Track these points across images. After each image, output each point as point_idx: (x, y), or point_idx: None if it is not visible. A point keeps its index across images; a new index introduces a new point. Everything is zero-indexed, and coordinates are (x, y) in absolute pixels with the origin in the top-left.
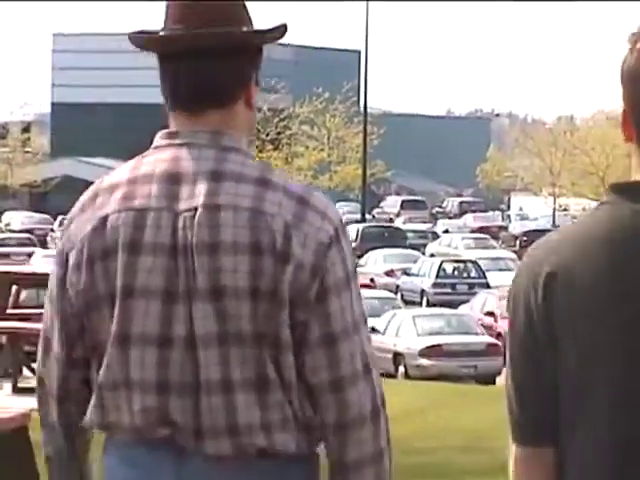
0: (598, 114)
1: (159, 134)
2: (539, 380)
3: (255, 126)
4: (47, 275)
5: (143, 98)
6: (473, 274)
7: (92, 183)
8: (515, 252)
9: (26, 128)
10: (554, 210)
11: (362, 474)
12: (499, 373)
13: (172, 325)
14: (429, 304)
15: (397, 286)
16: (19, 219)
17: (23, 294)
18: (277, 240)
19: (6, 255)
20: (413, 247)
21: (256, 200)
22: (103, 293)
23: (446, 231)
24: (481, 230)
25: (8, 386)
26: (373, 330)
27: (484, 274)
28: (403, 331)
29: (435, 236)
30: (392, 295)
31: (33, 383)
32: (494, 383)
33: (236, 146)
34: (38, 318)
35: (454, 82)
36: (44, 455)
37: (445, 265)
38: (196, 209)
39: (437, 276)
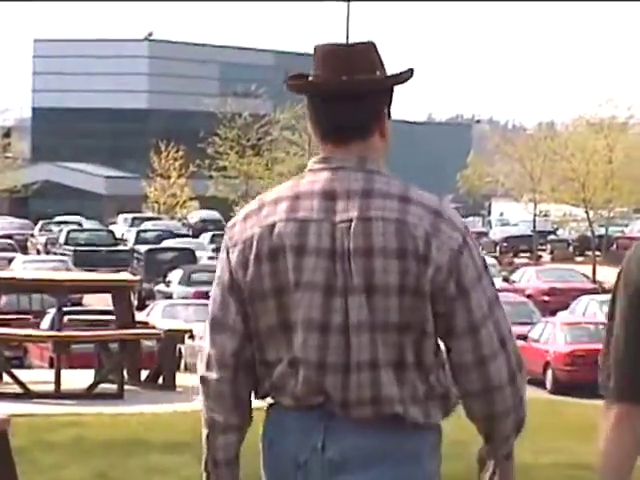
0: (578, 120)
1: (313, 159)
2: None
3: (386, 152)
4: (27, 281)
5: (123, 103)
6: None
7: (72, 188)
8: (495, 258)
9: (6, 133)
10: (534, 216)
11: (506, 420)
12: None
13: (331, 314)
14: None
15: None
16: None
17: (3, 299)
18: (419, 246)
19: None
20: None
21: (401, 213)
22: (269, 287)
23: None
24: None
25: None
26: None
27: None
28: None
29: None
30: None
31: (13, 389)
32: None
33: (379, 169)
34: (18, 324)
35: (435, 88)
36: (207, 425)
37: None
38: (351, 220)
39: None
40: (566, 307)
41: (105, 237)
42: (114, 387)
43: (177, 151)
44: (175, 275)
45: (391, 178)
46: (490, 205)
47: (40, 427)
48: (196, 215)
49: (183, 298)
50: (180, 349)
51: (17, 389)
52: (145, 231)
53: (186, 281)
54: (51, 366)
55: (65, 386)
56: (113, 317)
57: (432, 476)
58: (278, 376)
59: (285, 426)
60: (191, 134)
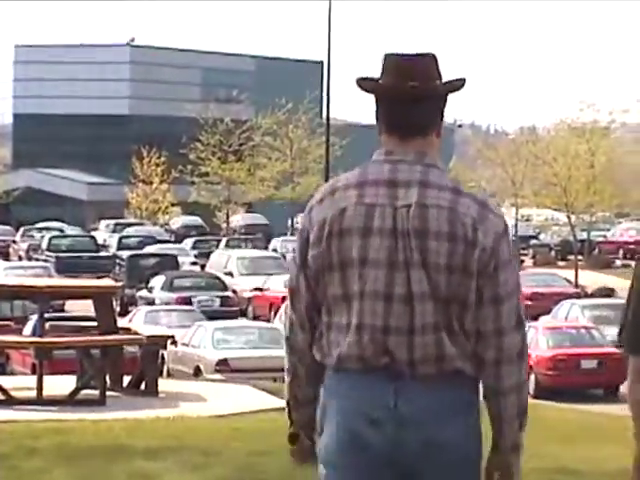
0: (560, 124)
1: (377, 152)
2: None
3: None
4: (9, 287)
5: (105, 109)
6: None
7: (54, 194)
8: None
9: None
10: (516, 220)
11: (509, 398)
12: None
13: (394, 286)
14: None
15: None
16: None
17: None
18: (468, 231)
19: None
20: None
21: (452, 202)
22: (335, 261)
23: None
24: None
25: None
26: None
27: None
28: None
29: None
30: None
31: None
32: None
33: (435, 164)
34: (0, 330)
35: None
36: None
37: None
38: (410, 206)
39: None
40: (548, 312)
41: (87, 243)
42: (96, 393)
43: (159, 157)
44: (157, 281)
45: (444, 172)
46: None
47: (22, 433)
48: (178, 221)
49: (165, 304)
50: (162, 355)
51: None
52: (127, 237)
53: (168, 287)
54: (33, 372)
55: (47, 392)
56: (95, 323)
57: (479, 423)
58: (347, 340)
59: (354, 387)
60: (173, 140)
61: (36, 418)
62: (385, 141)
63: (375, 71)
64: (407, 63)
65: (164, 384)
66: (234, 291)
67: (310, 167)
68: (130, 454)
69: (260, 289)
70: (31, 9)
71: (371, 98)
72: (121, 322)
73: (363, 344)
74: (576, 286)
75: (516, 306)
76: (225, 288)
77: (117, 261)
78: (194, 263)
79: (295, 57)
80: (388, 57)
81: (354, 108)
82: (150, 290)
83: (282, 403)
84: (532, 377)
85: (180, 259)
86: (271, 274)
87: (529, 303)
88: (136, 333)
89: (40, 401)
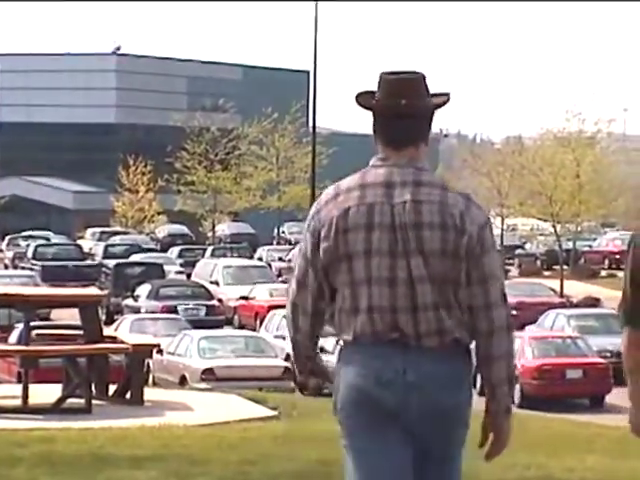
0: (546, 134)
1: (374, 158)
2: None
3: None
4: None
5: (91, 118)
6: None
7: (40, 203)
8: None
9: None
10: (502, 230)
11: (500, 363)
12: None
13: (396, 271)
14: None
15: None
16: None
17: None
18: (456, 221)
19: None
20: None
21: (442, 197)
22: (344, 253)
23: None
24: None
25: None
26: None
27: None
28: None
29: None
30: None
31: None
32: None
33: (425, 167)
34: None
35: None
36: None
37: None
38: (405, 202)
39: None
40: (534, 321)
41: (73, 252)
42: (82, 402)
43: (145, 165)
44: (143, 289)
45: (432, 173)
46: None
47: (8, 442)
48: (164, 229)
49: (151, 312)
50: (148, 364)
51: None
52: (113, 245)
53: (154, 295)
54: (19, 381)
55: (33, 401)
56: (81, 332)
57: (472, 392)
58: (358, 320)
59: (368, 356)
60: (159, 149)
61: (22, 427)
62: (381, 150)
63: (360, 80)
64: (400, 83)
65: (150, 393)
66: (220, 300)
67: (296, 176)
68: (116, 463)
69: (246, 298)
70: (17, 18)
71: (362, 110)
72: (107, 331)
73: (375, 322)
74: (562, 296)
75: (500, 285)
76: (211, 297)
77: (103, 270)
78: (180, 272)
79: (281, 66)
80: (383, 77)
81: (340, 117)
82: (136, 299)
83: (269, 412)
84: (518, 386)
85: (166, 268)
86: (257, 283)
87: (515, 313)
88: (122, 342)
89: (26, 410)
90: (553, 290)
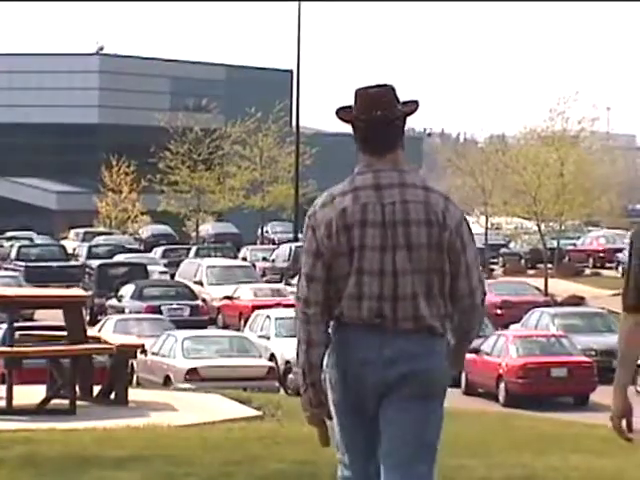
0: (530, 133)
1: (358, 165)
2: None
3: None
4: None
5: (74, 118)
6: None
7: (23, 203)
8: None
9: None
10: (486, 229)
11: (473, 334)
12: None
13: (385, 264)
14: None
15: None
16: None
17: None
18: (439, 218)
19: None
20: None
21: (425, 197)
22: (345, 249)
23: None
24: None
25: None
26: None
27: None
28: None
29: None
30: None
31: None
32: None
33: (405, 169)
34: None
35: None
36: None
37: None
38: (394, 203)
39: None
40: (518, 320)
41: (57, 252)
42: (66, 403)
43: (128, 166)
44: (127, 290)
45: (415, 173)
46: None
47: None
48: (148, 230)
49: (135, 313)
50: (132, 364)
51: None
52: (97, 246)
53: (138, 296)
54: (3, 382)
55: (17, 402)
56: (65, 332)
57: (447, 368)
58: (352, 306)
59: (356, 337)
60: (142, 149)
61: (5, 428)
62: (363, 157)
63: (344, 79)
64: (372, 96)
65: (134, 393)
66: (204, 300)
67: (280, 176)
68: (100, 464)
69: (230, 298)
70: None
71: (340, 105)
72: (91, 331)
73: (364, 309)
74: (546, 295)
75: (478, 271)
76: (195, 297)
77: (86, 270)
78: (164, 272)
79: (265, 66)
80: (358, 92)
81: (323, 117)
82: (120, 299)
83: (253, 412)
84: (502, 385)
85: (150, 268)
86: (241, 283)
87: (499, 312)
88: (106, 342)
89: (10, 411)
90: (537, 289)
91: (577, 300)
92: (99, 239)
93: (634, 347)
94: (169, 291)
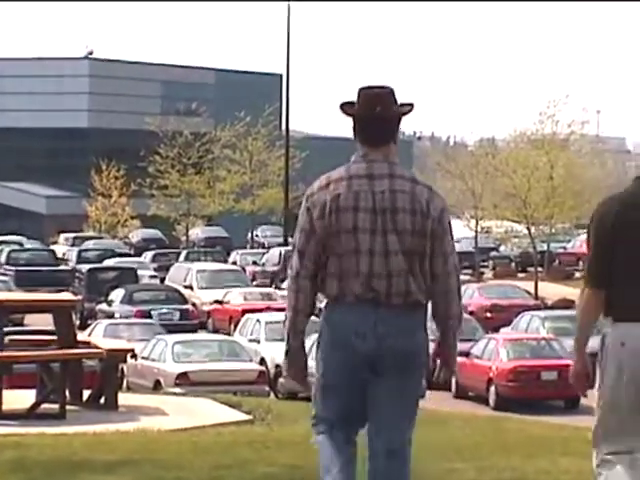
0: (519, 136)
1: (355, 154)
2: (607, 258)
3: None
4: None
5: (64, 122)
6: None
7: (12, 208)
8: None
9: None
10: (476, 232)
11: (452, 309)
12: (422, 396)
13: (375, 245)
14: None
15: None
16: None
17: None
18: (423, 206)
19: None
20: None
21: (412, 188)
22: (335, 229)
23: None
24: None
25: None
26: None
27: None
28: None
29: None
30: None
31: None
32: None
33: (396, 162)
34: None
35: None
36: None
37: None
38: (384, 191)
39: None
40: (509, 323)
41: (46, 257)
42: (56, 407)
43: (118, 170)
44: (117, 294)
45: (403, 167)
46: None
47: None
48: (137, 234)
49: (125, 317)
50: (122, 368)
51: None
52: (86, 250)
53: (128, 300)
54: None
55: (7, 406)
56: (55, 337)
57: (427, 337)
58: (347, 282)
59: (349, 311)
60: (132, 153)
61: None
62: (361, 147)
63: (334, 83)
64: (375, 95)
65: (124, 398)
66: (194, 304)
67: (269, 179)
68: (90, 468)
69: (220, 302)
70: None
71: (330, 108)
72: (81, 336)
73: (357, 284)
74: (536, 298)
75: (454, 257)
76: (185, 301)
77: (76, 274)
78: (153, 276)
79: (254, 70)
80: (362, 90)
81: (313, 120)
82: (110, 303)
83: (243, 416)
84: (492, 389)
85: (139, 272)
86: (231, 287)
87: (489, 315)
88: (96, 347)
89: None
90: (528, 292)
91: (567, 303)
92: (89, 243)
93: (588, 314)
94: (159, 295)
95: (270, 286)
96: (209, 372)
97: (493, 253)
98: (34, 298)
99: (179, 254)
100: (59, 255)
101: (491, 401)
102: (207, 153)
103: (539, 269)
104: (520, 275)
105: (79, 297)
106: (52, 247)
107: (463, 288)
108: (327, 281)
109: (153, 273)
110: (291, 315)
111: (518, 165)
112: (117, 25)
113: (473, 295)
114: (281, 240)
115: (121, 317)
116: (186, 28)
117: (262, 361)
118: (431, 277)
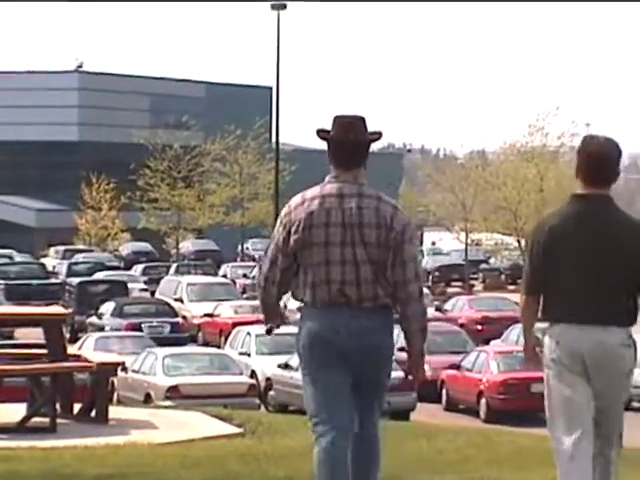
0: (509, 149)
1: (329, 176)
2: (541, 268)
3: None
4: None
5: (53, 136)
6: None
7: (2, 221)
8: (428, 287)
9: None
10: (466, 245)
11: (415, 320)
12: (413, 409)
13: (346, 256)
14: None
15: None
16: None
17: None
18: (387, 221)
19: None
20: None
21: (377, 205)
22: (309, 242)
23: None
24: None
25: None
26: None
27: None
28: None
29: None
30: None
31: None
32: (408, 419)
33: (364, 183)
34: None
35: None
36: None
37: None
38: (352, 208)
39: None
40: (499, 336)
41: (36, 270)
42: (47, 421)
43: (108, 183)
44: (107, 307)
45: (370, 187)
46: (422, 234)
47: None
48: (128, 247)
49: (115, 330)
50: (113, 382)
51: None
52: (77, 264)
53: (118, 313)
54: None
55: None
56: (45, 350)
57: (393, 337)
58: (318, 289)
59: (324, 313)
60: (122, 166)
61: None
62: (334, 169)
63: (323, 96)
64: (348, 123)
65: (114, 411)
66: (184, 317)
67: (260, 193)
68: None
69: (210, 315)
70: None
71: (319, 121)
72: (71, 349)
73: (331, 291)
74: None
75: (415, 267)
76: (175, 314)
77: (67, 288)
78: (144, 289)
79: (244, 83)
80: (336, 118)
81: (303, 133)
82: (100, 317)
83: (234, 429)
84: (483, 401)
85: (130, 285)
86: (221, 300)
87: (479, 327)
88: (86, 360)
89: None
90: (518, 304)
91: None
92: (79, 256)
93: (529, 318)
94: (149, 308)
95: None
96: (200, 385)
97: (483, 265)
98: (24, 312)
99: (169, 267)
100: (49, 268)
101: (482, 413)
102: (197, 166)
103: None
104: (510, 287)
105: (69, 310)
106: (42, 260)
107: (453, 301)
108: (302, 288)
109: (143, 286)
110: (262, 306)
111: (508, 177)
112: (107, 38)
113: (463, 308)
114: None
115: (111, 330)
116: (176, 41)
117: (253, 374)
118: (393, 284)
